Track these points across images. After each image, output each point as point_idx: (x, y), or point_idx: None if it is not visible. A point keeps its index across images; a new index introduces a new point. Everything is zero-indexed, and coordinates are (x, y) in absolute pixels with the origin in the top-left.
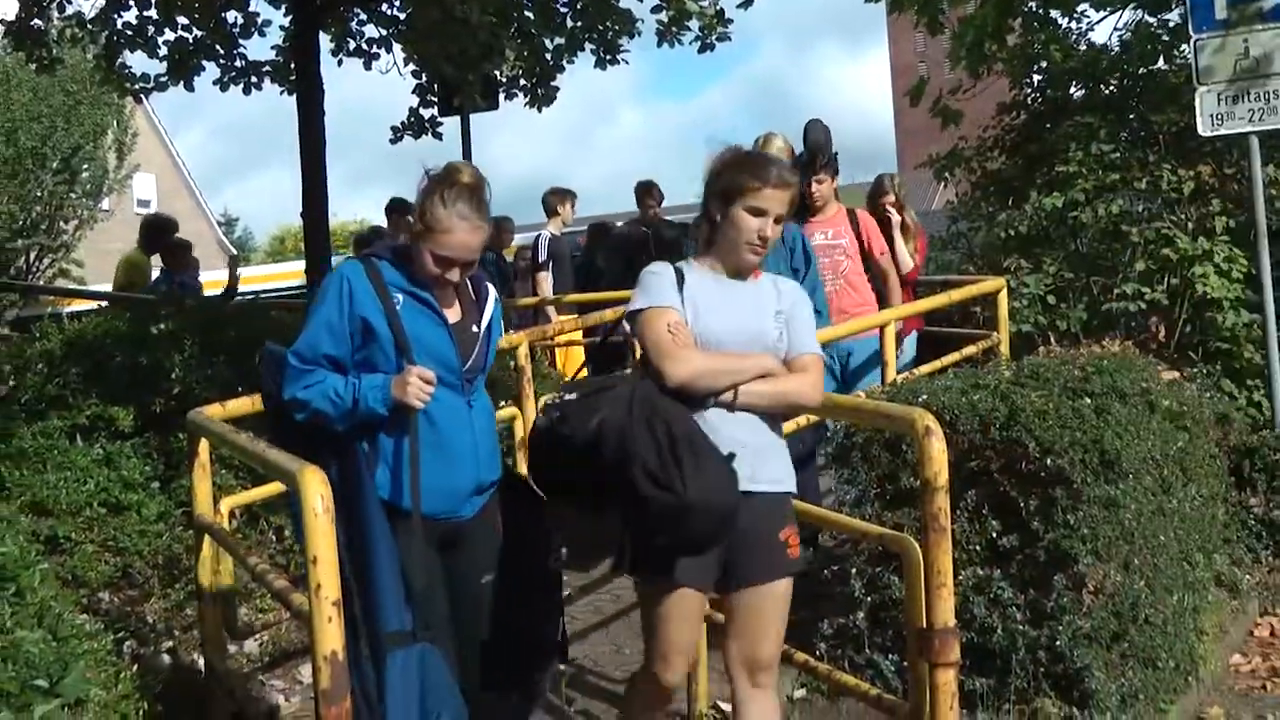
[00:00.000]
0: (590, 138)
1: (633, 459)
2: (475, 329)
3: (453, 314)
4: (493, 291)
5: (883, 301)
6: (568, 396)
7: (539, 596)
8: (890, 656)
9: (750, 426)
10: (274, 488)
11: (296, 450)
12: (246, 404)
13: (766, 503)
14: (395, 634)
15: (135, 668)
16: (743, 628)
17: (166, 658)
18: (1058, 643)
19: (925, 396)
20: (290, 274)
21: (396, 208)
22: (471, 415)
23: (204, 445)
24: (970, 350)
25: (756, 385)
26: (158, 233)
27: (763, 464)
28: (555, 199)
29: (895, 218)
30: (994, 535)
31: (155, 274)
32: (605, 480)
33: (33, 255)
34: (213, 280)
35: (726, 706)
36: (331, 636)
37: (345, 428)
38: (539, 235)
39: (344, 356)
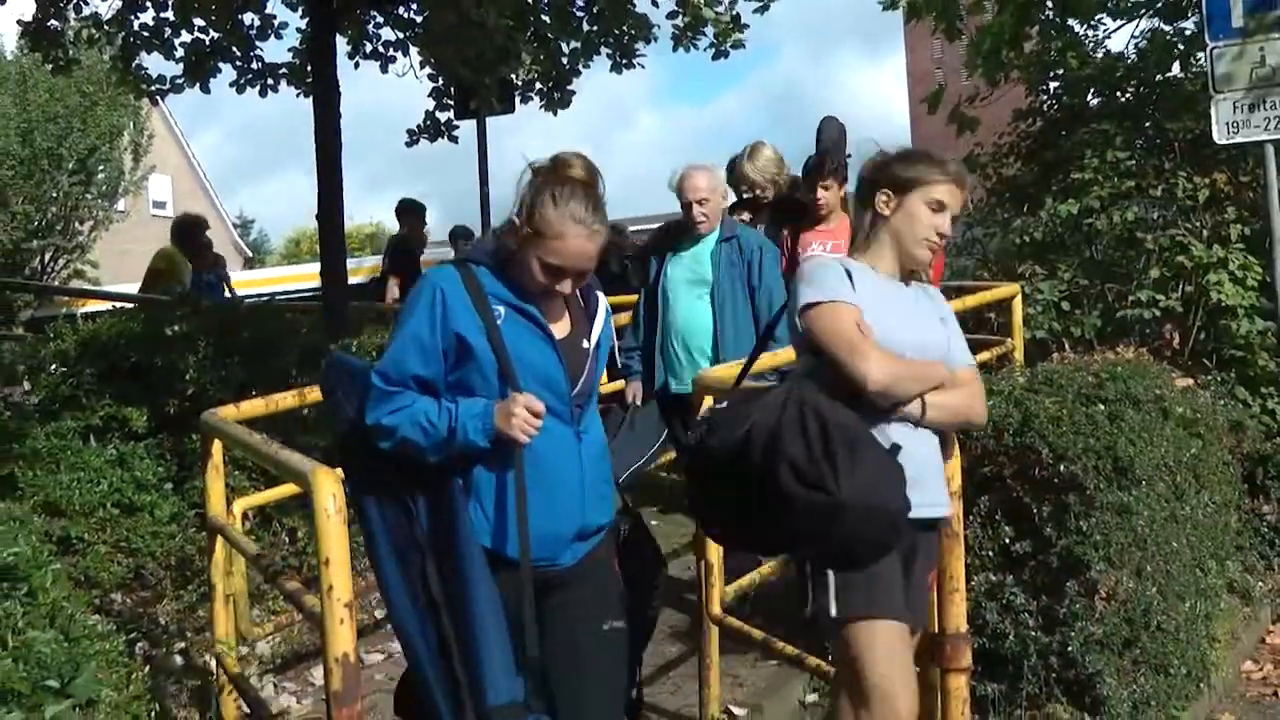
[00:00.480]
0: (607, 141)
1: (779, 457)
2: (585, 344)
3: (560, 328)
4: (603, 300)
5: None
6: (718, 407)
7: (630, 653)
8: None
9: (934, 444)
10: (287, 489)
11: (374, 481)
12: (260, 405)
13: (932, 536)
14: (506, 707)
15: (147, 669)
16: None
17: (178, 659)
18: (1069, 649)
19: None
20: (305, 276)
21: (407, 209)
22: (580, 449)
23: (217, 446)
24: (984, 356)
25: (939, 397)
26: (192, 228)
27: (941, 487)
28: None
29: None
30: (1007, 541)
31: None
32: (754, 493)
33: (48, 256)
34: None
35: (739, 711)
36: (343, 639)
37: (438, 459)
38: None
39: (435, 377)
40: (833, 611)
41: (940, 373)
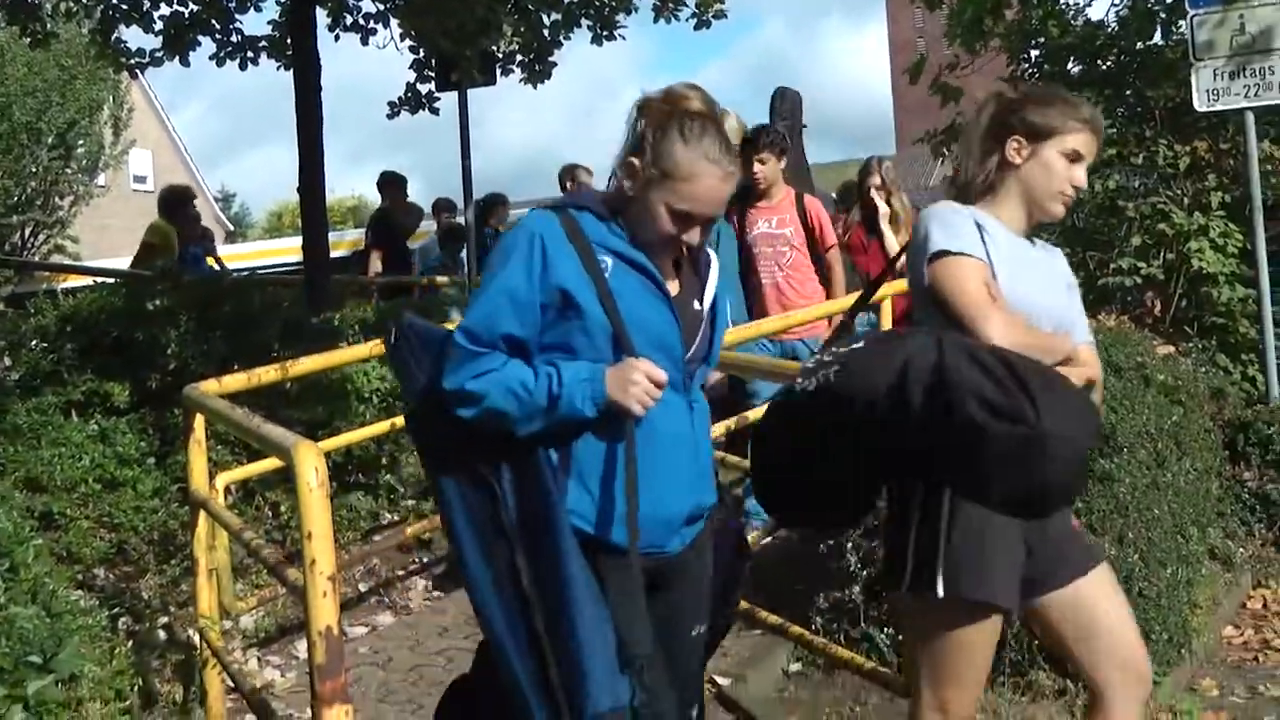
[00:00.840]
0: (593, 112)
1: (960, 390)
2: (697, 305)
3: (671, 286)
4: (715, 259)
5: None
6: (842, 350)
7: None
8: (885, 630)
9: None
10: (269, 463)
11: (452, 458)
12: (242, 379)
13: None
14: (610, 714)
15: (130, 644)
16: (1091, 620)
17: (162, 634)
18: None
19: None
20: (287, 250)
21: (389, 181)
22: (693, 419)
23: (200, 421)
24: None
25: (1064, 372)
26: (179, 200)
27: None
28: (568, 175)
29: (884, 209)
30: None
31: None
32: (908, 444)
33: (28, 231)
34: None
35: (723, 680)
36: (326, 612)
37: (528, 432)
38: None
39: (529, 338)
40: (940, 590)
41: (1067, 346)
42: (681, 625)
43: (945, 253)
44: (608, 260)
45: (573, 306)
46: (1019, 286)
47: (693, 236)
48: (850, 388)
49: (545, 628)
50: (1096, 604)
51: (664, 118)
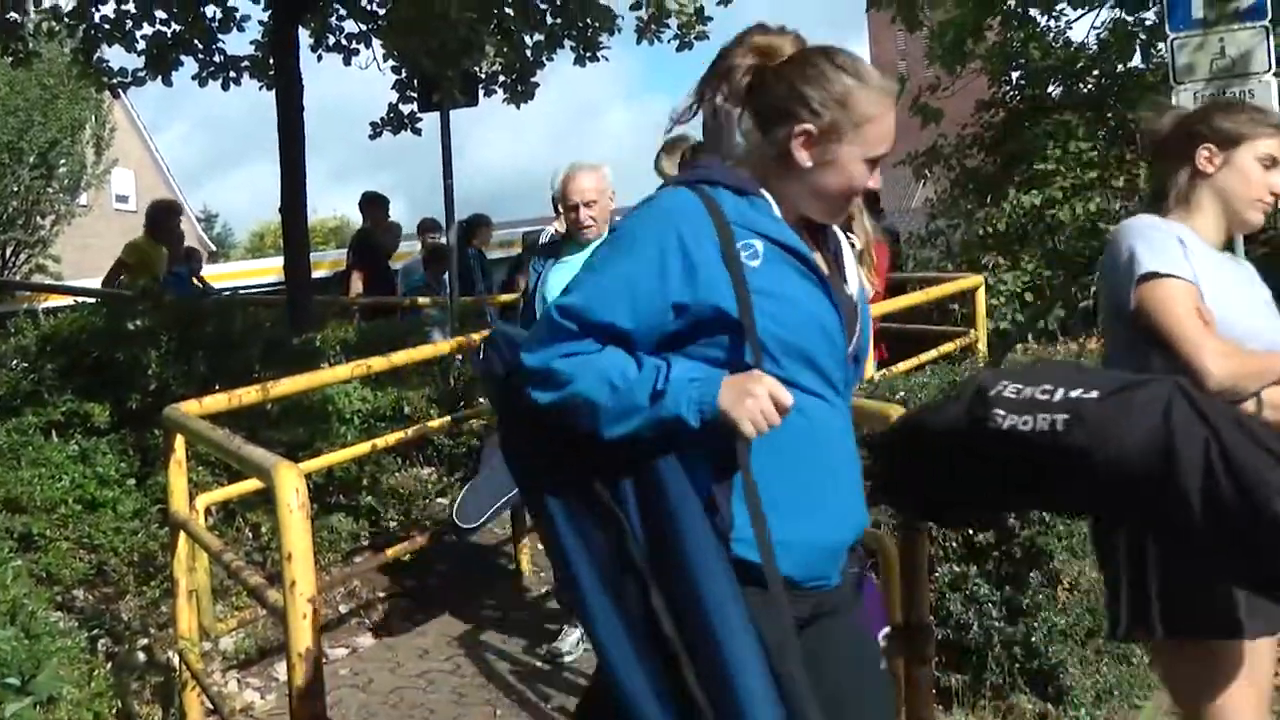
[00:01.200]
0: (579, 132)
1: (1264, 487)
2: (848, 289)
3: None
4: (839, 233)
5: None
6: (1063, 393)
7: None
8: None
9: None
10: (250, 484)
11: (557, 473)
12: (223, 400)
13: None
14: None
15: (109, 666)
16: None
17: (141, 656)
18: (1033, 639)
19: (903, 393)
20: (269, 270)
21: (371, 201)
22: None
23: (180, 441)
24: (948, 347)
25: (1277, 395)
26: (165, 214)
27: None
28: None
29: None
30: (970, 532)
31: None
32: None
33: (9, 251)
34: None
35: None
36: (306, 634)
37: (614, 435)
38: (544, 230)
39: (641, 336)
40: (1158, 632)
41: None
42: (853, 666)
43: (1154, 275)
44: (756, 244)
45: (724, 326)
46: (1225, 307)
47: (876, 180)
48: (1087, 441)
49: (699, 688)
50: (1268, 664)
51: (804, 67)
